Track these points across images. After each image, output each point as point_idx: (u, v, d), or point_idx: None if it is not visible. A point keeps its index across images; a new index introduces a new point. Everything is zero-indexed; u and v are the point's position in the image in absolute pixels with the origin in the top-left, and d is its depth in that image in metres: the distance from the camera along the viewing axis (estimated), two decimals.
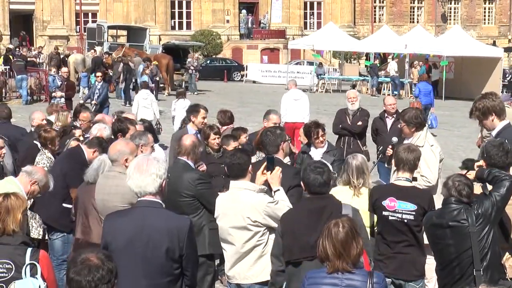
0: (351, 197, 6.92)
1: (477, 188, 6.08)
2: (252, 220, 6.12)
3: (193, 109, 10.39)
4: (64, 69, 24.75)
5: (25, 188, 6.61)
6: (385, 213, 6.43)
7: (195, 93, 34.40)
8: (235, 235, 6.21)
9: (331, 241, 4.61)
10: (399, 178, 6.57)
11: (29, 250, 4.97)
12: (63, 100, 22.49)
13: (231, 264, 6.34)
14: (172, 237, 4.94)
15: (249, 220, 6.12)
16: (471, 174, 6.14)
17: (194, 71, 35.36)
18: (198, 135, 9.42)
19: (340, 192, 6.92)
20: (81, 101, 19.09)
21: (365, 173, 7.12)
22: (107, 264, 3.94)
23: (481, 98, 7.14)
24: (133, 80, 31.05)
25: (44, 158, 8.95)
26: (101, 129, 8.71)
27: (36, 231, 8.74)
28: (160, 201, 5.08)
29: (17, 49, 41.04)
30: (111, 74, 32.13)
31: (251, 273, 6.28)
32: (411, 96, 30.81)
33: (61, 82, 23.89)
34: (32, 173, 6.67)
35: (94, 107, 19.66)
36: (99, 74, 23.23)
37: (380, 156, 11.84)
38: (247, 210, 6.14)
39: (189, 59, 36.55)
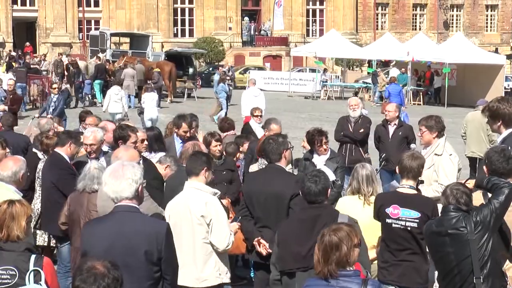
0: (362, 206, 6.91)
1: (479, 197, 6.08)
2: (199, 215, 6.23)
3: (175, 123, 10.23)
4: (9, 82, 22.13)
5: (19, 186, 6.58)
6: (388, 220, 6.43)
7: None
8: (190, 233, 6.28)
9: (318, 246, 4.68)
10: (403, 186, 6.57)
11: (33, 256, 4.99)
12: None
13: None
14: (151, 240, 4.96)
15: (197, 216, 6.24)
16: (471, 183, 6.14)
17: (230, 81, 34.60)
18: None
19: (349, 202, 6.92)
20: (36, 115, 18.02)
21: (374, 181, 7.12)
22: (113, 272, 3.97)
23: (499, 100, 7.00)
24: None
25: None
26: (94, 132, 8.79)
27: (41, 238, 8.78)
28: (137, 206, 5.10)
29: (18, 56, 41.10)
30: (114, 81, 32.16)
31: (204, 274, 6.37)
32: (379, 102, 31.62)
33: (5, 95, 21.66)
34: (16, 173, 6.53)
35: None
36: (55, 86, 21.74)
37: (382, 163, 11.86)
38: (196, 207, 6.24)
39: (224, 69, 35.62)
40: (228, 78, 34.53)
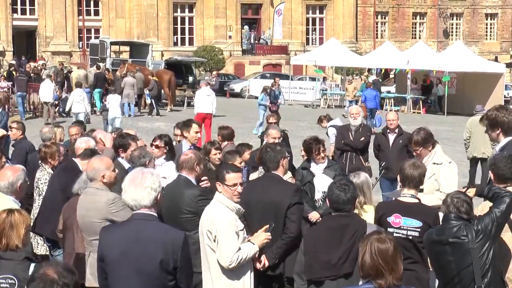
0: None
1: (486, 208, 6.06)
2: (206, 230, 6.18)
3: (186, 124, 10.28)
4: None
5: (18, 197, 6.57)
6: (390, 229, 6.40)
7: None
8: (203, 244, 6.26)
9: (383, 257, 4.42)
10: (405, 195, 6.56)
11: (32, 265, 4.98)
12: None
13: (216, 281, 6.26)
14: (167, 249, 4.99)
15: (204, 230, 6.19)
16: (471, 192, 6.14)
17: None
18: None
19: None
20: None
21: (366, 191, 7.14)
22: (63, 278, 3.97)
23: (497, 108, 7.05)
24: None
25: (45, 174, 8.91)
26: (87, 141, 8.82)
27: (43, 248, 8.76)
28: (155, 214, 5.14)
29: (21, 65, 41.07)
30: (113, 89, 32.11)
31: None
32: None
33: None
34: (13, 184, 6.52)
35: None
36: None
37: (382, 172, 11.85)
38: (205, 221, 6.22)
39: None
40: (269, 88, 28.89)
